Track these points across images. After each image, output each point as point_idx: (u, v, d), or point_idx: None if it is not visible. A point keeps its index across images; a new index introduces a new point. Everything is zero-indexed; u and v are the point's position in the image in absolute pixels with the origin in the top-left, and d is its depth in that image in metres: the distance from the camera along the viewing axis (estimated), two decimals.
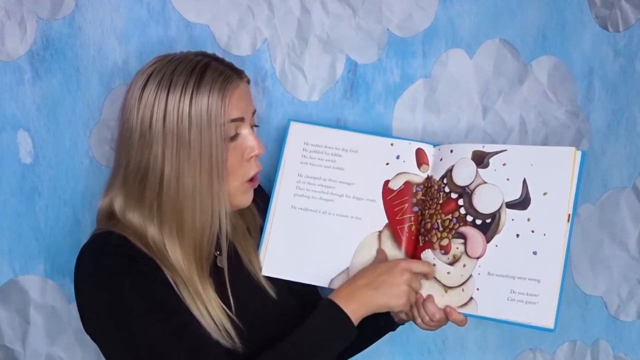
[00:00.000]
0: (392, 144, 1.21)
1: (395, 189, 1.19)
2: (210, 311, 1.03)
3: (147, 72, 1.05)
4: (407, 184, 1.19)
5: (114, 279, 0.99)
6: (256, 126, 1.13)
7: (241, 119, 1.07)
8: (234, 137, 1.07)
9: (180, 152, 1.02)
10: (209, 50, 1.23)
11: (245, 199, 1.12)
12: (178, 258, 1.04)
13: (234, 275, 1.12)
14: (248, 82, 1.12)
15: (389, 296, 1.08)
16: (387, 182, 1.19)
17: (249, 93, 1.10)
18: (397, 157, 1.20)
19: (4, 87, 1.20)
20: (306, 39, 1.30)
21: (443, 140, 1.36)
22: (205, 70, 1.04)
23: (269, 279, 1.17)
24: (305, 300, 1.17)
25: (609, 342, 1.49)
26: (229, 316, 1.05)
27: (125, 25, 1.22)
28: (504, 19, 1.35)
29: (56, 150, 1.24)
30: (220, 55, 1.24)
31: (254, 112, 1.11)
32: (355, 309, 1.06)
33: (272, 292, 1.15)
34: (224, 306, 1.05)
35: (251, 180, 1.10)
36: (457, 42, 1.34)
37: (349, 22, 1.31)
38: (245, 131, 1.08)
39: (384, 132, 1.34)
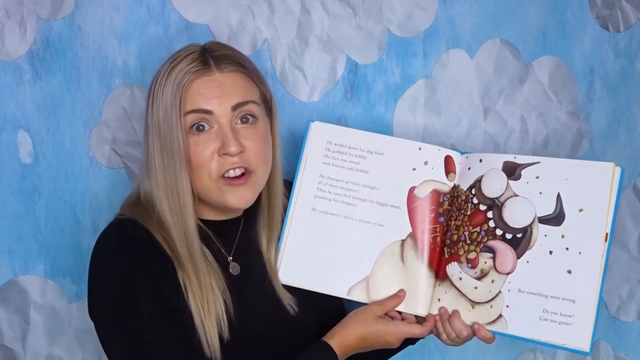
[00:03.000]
0: (420, 149, 1.16)
1: (421, 196, 1.14)
2: (206, 320, 1.02)
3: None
4: (434, 192, 1.14)
5: (128, 275, 1.00)
6: (249, 117, 1.06)
7: (205, 112, 1.03)
8: (200, 129, 1.03)
9: (159, 141, 1.03)
10: None
11: (231, 199, 1.06)
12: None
13: (252, 285, 1.12)
14: (245, 70, 1.06)
15: (380, 345, 1.10)
16: (412, 188, 1.15)
17: (225, 84, 1.04)
18: (425, 163, 1.15)
19: (4, 87, 1.20)
20: (306, 39, 1.30)
21: (444, 140, 1.36)
22: (176, 66, 1.03)
23: (290, 291, 1.14)
24: (328, 317, 1.14)
25: (609, 343, 1.49)
26: (222, 330, 1.04)
27: (125, 25, 1.22)
28: (504, 19, 1.35)
29: (56, 150, 1.23)
30: None
31: (237, 105, 1.04)
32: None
33: (293, 305, 1.13)
34: (223, 320, 1.04)
35: (227, 177, 1.05)
36: (458, 42, 1.34)
37: (349, 22, 1.31)
38: (220, 125, 1.04)
39: (385, 132, 1.33)
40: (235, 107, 1.04)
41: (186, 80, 1.02)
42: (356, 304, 1.15)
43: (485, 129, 1.38)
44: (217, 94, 1.03)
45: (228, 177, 1.05)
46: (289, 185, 1.18)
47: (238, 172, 1.05)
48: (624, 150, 1.44)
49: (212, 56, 1.05)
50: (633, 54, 1.40)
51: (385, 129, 1.34)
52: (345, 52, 1.32)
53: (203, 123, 1.03)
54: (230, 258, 1.12)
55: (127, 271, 1.00)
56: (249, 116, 1.06)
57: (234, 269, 1.11)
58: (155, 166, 1.04)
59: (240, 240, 1.14)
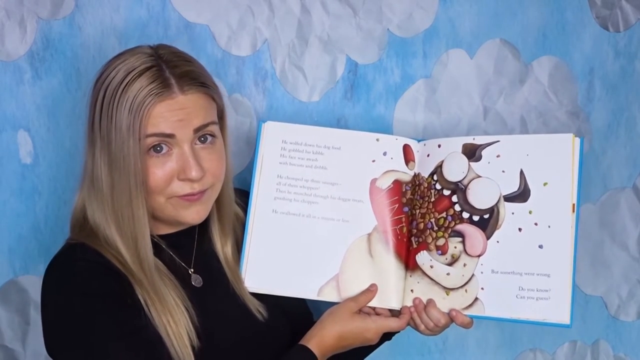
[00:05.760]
0: (377, 140, 1.14)
1: (383, 188, 1.13)
2: (174, 332, 0.98)
3: (100, 71, 1.02)
4: (396, 182, 1.12)
5: (84, 300, 0.95)
6: (208, 136, 1.02)
7: (167, 135, 0.98)
8: (158, 150, 0.99)
9: (107, 158, 0.99)
10: (209, 51, 1.24)
11: (186, 215, 1.03)
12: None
13: (218, 295, 1.08)
14: (207, 89, 1.02)
15: (359, 343, 1.07)
16: (374, 180, 1.13)
17: (187, 107, 0.99)
18: (384, 154, 1.13)
19: (4, 87, 1.19)
20: (306, 39, 1.30)
21: None
22: (132, 83, 0.97)
23: (258, 297, 1.10)
24: (297, 322, 1.12)
25: (609, 342, 1.50)
26: (191, 340, 0.99)
27: (125, 25, 1.22)
28: (504, 19, 1.35)
29: (56, 150, 1.23)
30: (219, 56, 1.25)
31: (200, 127, 1.00)
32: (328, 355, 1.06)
33: (262, 311, 1.09)
34: (190, 330, 1.00)
35: (183, 195, 1.01)
36: (458, 42, 1.34)
37: (349, 22, 1.31)
38: (182, 149, 0.99)
39: (385, 132, 1.33)
40: (197, 130, 1.00)
41: (147, 103, 0.96)
42: (326, 306, 1.12)
43: (485, 128, 1.38)
44: (180, 117, 0.98)
45: (184, 195, 1.02)
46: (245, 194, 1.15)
47: (196, 192, 1.02)
48: (623, 150, 1.44)
49: (174, 75, 0.98)
50: (633, 54, 1.41)
51: (385, 129, 1.34)
52: (345, 52, 1.32)
53: (162, 145, 0.99)
54: (192, 270, 1.09)
55: (82, 296, 0.95)
56: (208, 136, 1.02)
57: (196, 280, 1.08)
58: (102, 183, 1.00)
59: (198, 250, 1.11)
